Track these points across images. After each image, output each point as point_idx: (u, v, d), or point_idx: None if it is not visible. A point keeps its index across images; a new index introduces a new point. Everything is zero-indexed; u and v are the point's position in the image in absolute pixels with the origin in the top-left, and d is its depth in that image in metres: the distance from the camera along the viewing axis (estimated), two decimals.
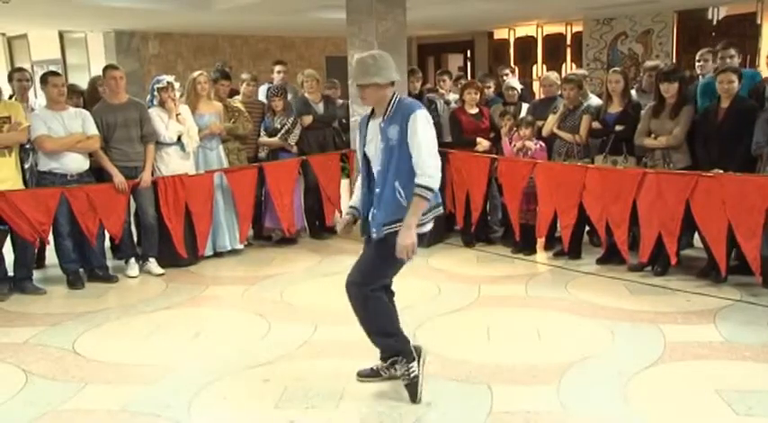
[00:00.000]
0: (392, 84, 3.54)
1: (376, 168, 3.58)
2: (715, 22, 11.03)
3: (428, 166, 3.39)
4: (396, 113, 3.48)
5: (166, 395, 3.81)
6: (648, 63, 7.17)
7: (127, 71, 6.82)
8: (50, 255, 6.34)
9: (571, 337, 4.54)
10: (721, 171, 5.20)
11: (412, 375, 3.65)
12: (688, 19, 11.23)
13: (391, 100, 3.53)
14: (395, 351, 3.71)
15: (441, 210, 3.69)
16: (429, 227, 3.63)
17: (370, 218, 3.63)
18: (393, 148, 3.46)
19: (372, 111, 3.65)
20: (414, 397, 3.64)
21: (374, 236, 3.58)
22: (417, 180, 3.40)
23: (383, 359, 3.80)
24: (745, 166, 5.28)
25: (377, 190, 3.56)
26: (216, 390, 3.89)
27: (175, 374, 4.10)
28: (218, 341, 4.64)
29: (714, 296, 5.22)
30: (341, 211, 7.65)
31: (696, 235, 5.81)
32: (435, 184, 3.43)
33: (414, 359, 3.68)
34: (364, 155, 3.68)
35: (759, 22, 10.36)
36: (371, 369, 3.88)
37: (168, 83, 6.24)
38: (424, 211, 3.48)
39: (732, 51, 5.98)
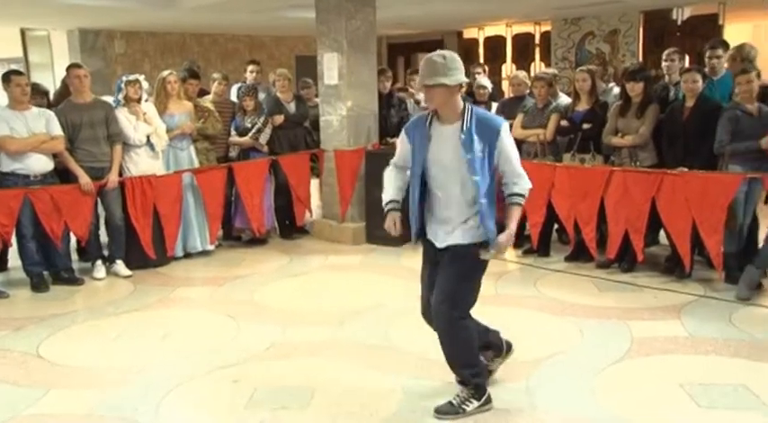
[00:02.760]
0: (461, 86, 3.31)
1: (446, 181, 3.37)
2: (680, 23, 11.20)
3: (524, 173, 3.41)
4: (478, 126, 3.29)
5: (134, 398, 3.78)
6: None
7: (92, 70, 6.75)
8: (14, 257, 6.24)
9: (540, 334, 4.59)
10: (686, 169, 5.29)
11: (462, 408, 3.50)
12: (654, 19, 11.39)
13: (464, 109, 3.33)
14: (470, 382, 3.56)
15: None
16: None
17: (442, 232, 3.44)
18: (482, 161, 3.28)
19: (434, 114, 3.40)
20: (441, 414, 3.50)
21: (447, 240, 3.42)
22: (515, 189, 3.40)
23: (460, 383, 3.64)
24: (710, 164, 5.38)
25: (443, 209, 3.41)
26: (185, 392, 3.87)
27: (143, 377, 4.06)
28: (187, 342, 4.61)
29: (679, 292, 5.31)
30: (311, 211, 7.65)
31: (662, 232, 5.90)
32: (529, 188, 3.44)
33: (481, 397, 3.53)
34: (421, 160, 3.39)
35: (721, 22, 10.56)
36: (449, 403, 3.55)
37: (136, 79, 6.19)
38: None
39: (719, 51, 5.91)
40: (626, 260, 5.82)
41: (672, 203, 5.32)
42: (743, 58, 5.93)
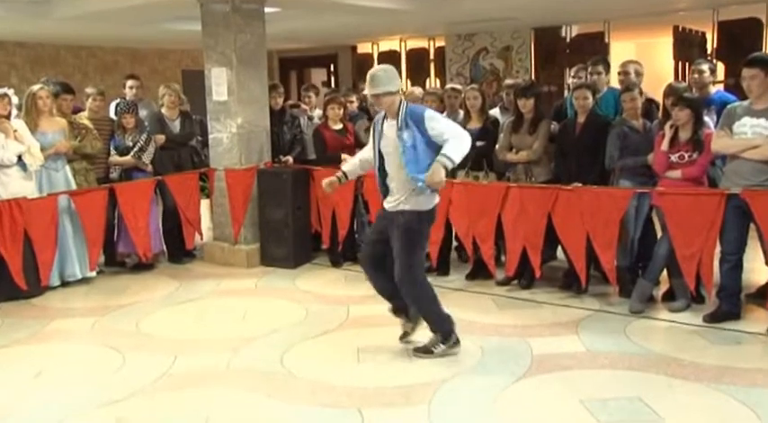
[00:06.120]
0: (398, 91, 4.36)
1: (391, 165, 4.37)
2: (568, 40, 11.73)
3: (455, 135, 4.20)
4: (407, 120, 4.26)
5: None
6: (507, 81, 7.49)
7: None
8: None
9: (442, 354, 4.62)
10: (580, 184, 5.50)
11: (431, 349, 4.51)
12: (544, 36, 11.86)
13: (400, 106, 4.32)
14: (437, 326, 4.56)
15: None
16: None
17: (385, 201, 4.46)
18: (408, 149, 4.21)
19: (385, 113, 4.43)
20: (417, 352, 4.55)
21: (393, 208, 4.38)
22: (443, 149, 4.16)
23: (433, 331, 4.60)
24: (602, 179, 5.62)
25: (391, 184, 4.41)
26: None
27: (14, 420, 3.82)
28: (64, 379, 4.38)
29: (576, 307, 5.50)
30: (201, 234, 7.47)
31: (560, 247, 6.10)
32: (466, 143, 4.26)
33: (447, 341, 4.52)
34: (379, 149, 4.45)
35: (607, 40, 11.15)
36: (424, 346, 4.58)
37: (5, 94, 5.88)
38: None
39: (600, 68, 6.35)
40: (525, 277, 5.98)
41: (567, 219, 5.51)
42: (637, 73, 6.17)
